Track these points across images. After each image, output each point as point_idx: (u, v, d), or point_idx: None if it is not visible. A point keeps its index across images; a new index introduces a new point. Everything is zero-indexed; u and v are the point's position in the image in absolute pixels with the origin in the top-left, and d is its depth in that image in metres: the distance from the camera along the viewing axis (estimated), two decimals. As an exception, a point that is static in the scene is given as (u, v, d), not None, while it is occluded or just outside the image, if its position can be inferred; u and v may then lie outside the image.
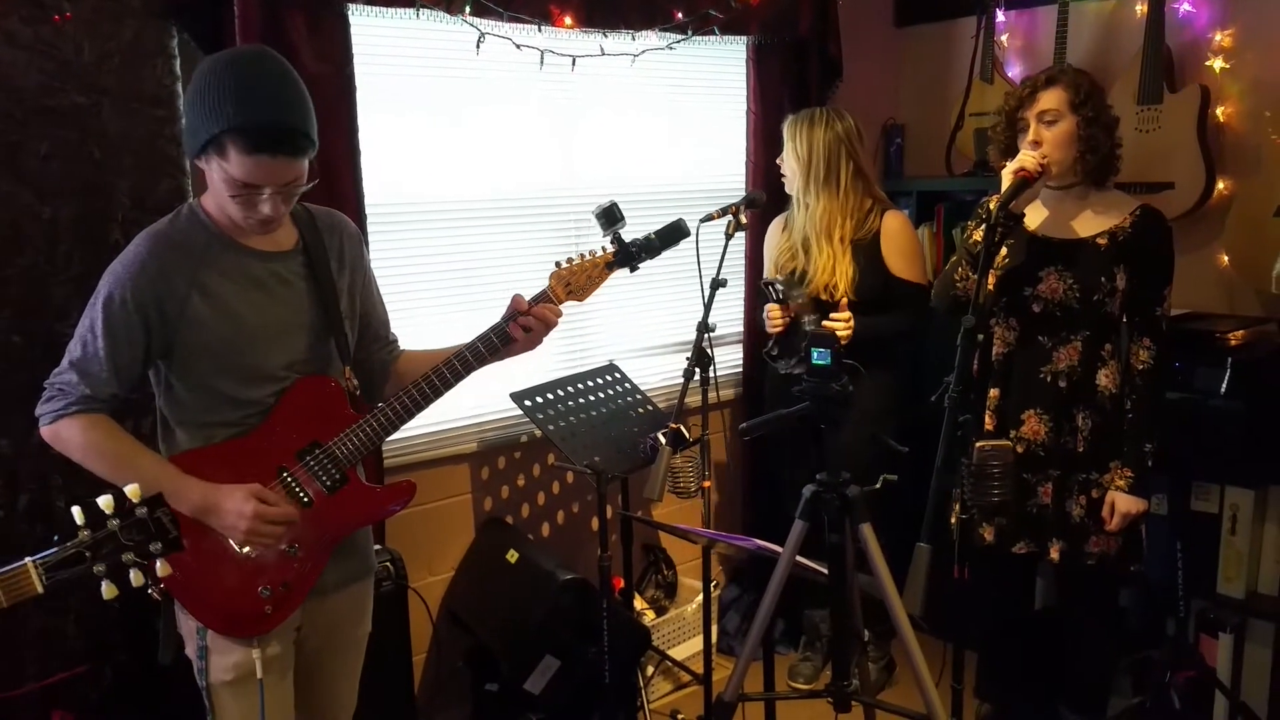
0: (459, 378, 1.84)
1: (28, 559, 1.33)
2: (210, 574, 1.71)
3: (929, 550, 1.86)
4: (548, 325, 1.86)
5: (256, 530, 1.67)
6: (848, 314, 2.80)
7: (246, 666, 1.74)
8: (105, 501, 1.36)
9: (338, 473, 1.77)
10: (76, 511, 1.36)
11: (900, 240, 2.92)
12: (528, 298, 1.87)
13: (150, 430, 1.85)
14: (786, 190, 3.02)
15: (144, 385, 1.77)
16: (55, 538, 1.35)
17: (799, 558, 2.02)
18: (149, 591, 1.72)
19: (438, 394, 1.83)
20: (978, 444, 1.98)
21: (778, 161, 3.02)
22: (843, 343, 2.69)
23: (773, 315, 2.81)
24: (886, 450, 2.29)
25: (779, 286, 2.68)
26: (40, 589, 1.33)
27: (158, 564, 1.39)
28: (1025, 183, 2.25)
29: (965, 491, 2.02)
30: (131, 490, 1.38)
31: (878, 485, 1.93)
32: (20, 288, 2.22)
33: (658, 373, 3.34)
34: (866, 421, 2.63)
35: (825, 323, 2.71)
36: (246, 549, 1.72)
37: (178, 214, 1.74)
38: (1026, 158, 2.27)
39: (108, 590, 1.36)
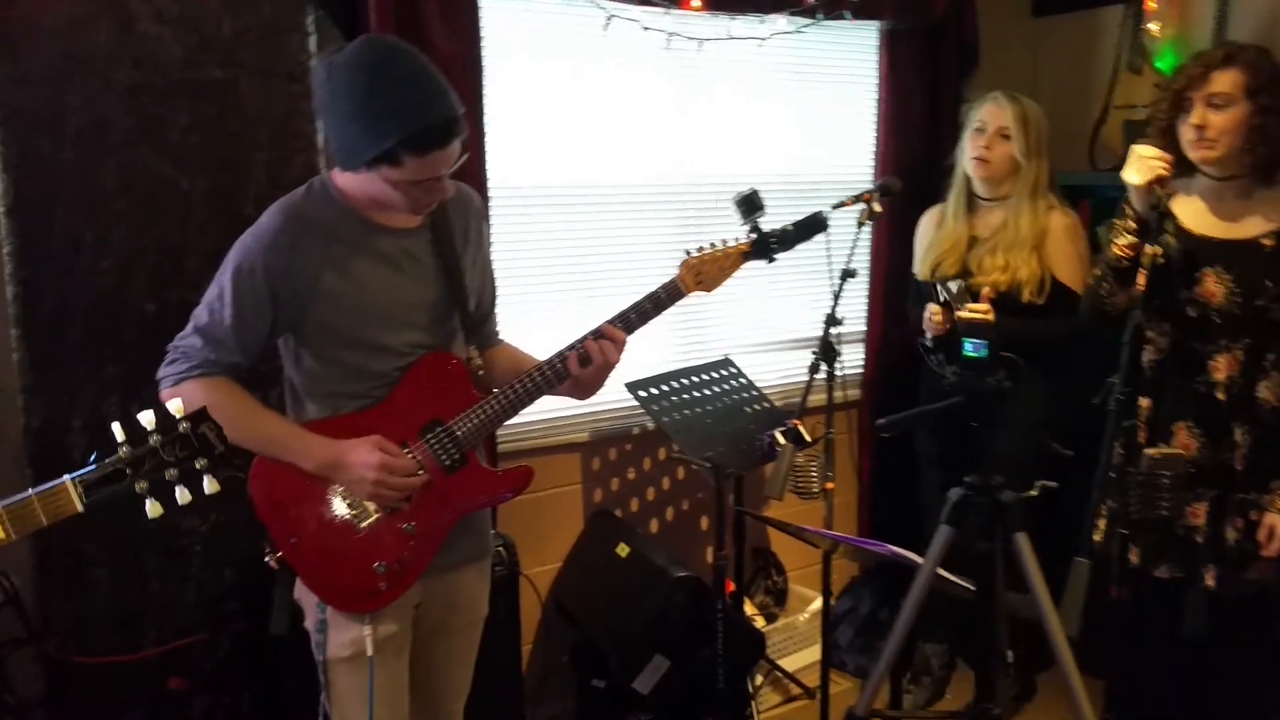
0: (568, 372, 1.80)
1: (66, 476, 1.27)
2: (327, 546, 1.70)
3: (1089, 566, 1.70)
4: (608, 361, 1.78)
5: (383, 481, 1.67)
6: (986, 306, 2.62)
7: (362, 643, 1.72)
8: (147, 417, 1.29)
9: (457, 452, 1.75)
10: (116, 427, 1.29)
11: (1068, 242, 2.72)
12: (657, 286, 1.82)
13: (279, 401, 1.85)
14: (980, 178, 2.77)
15: (271, 357, 1.78)
16: (93, 455, 1.28)
17: (939, 570, 1.89)
18: (266, 560, 1.73)
19: (551, 386, 1.80)
20: (1147, 452, 1.81)
21: (984, 147, 2.74)
22: None
23: (935, 316, 2.64)
24: (1049, 455, 2.12)
25: (951, 290, 2.53)
26: (80, 507, 1.27)
27: (205, 481, 1.31)
28: (1153, 192, 2.10)
29: (1131, 503, 1.86)
30: (175, 406, 1.31)
31: (1034, 492, 1.78)
32: (155, 257, 2.26)
33: (771, 369, 3.23)
34: (1023, 426, 2.45)
35: (960, 313, 2.54)
36: (365, 522, 1.70)
37: (310, 188, 1.74)
38: (1155, 165, 2.11)
39: (152, 508, 1.29)
